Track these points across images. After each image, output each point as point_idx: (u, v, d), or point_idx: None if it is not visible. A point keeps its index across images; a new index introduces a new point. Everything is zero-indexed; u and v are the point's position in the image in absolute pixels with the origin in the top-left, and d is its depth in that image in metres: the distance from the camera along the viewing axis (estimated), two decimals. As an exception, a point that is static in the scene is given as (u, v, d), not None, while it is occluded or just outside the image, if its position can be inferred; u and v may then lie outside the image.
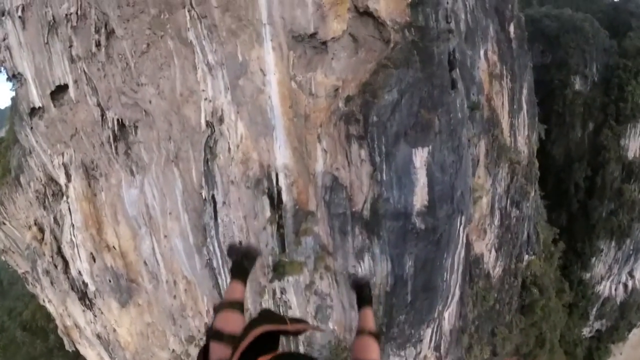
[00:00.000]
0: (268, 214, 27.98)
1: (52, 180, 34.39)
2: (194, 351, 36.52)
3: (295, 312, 30.15)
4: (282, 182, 27.61)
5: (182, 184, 28.74)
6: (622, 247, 74.11)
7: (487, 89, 39.14)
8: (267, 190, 27.73)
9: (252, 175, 27.56)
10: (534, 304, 46.64)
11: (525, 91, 46.58)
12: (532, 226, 48.32)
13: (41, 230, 38.54)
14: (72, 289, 37.60)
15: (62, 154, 31.12)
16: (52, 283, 40.07)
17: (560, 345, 62.21)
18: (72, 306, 41.09)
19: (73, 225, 32.92)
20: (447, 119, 27.07)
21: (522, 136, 46.57)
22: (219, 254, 29.66)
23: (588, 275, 71.95)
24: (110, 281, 33.63)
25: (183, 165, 28.07)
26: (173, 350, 37.78)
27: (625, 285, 78.75)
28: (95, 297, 36.28)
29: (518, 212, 44.50)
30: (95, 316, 38.67)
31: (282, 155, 27.64)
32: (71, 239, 33.88)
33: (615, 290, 77.62)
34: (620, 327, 78.83)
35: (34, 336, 75.26)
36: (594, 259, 71.61)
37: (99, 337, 41.33)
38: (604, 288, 75.28)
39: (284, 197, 27.57)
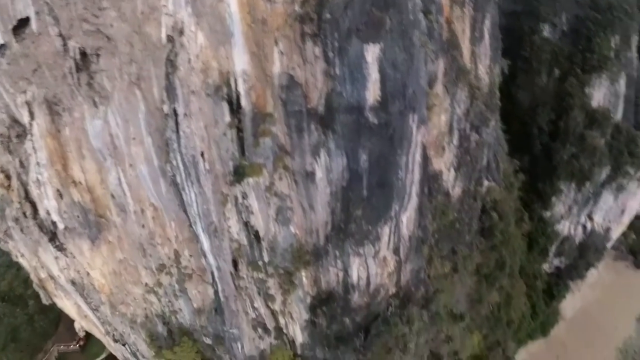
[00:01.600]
0: (228, 119, 28.43)
1: (15, 121, 33.94)
2: (166, 279, 37.48)
3: (257, 216, 31.05)
4: (241, 87, 27.94)
5: (145, 105, 28.69)
6: (582, 190, 77.39)
7: (447, 12, 39.69)
8: (226, 97, 28.09)
9: (212, 83, 27.83)
10: (494, 227, 48.89)
11: (487, 22, 47.31)
12: (492, 154, 50.17)
13: (8, 177, 38.07)
14: (42, 230, 37.62)
15: (25, 92, 30.43)
16: (22, 231, 39.91)
17: (520, 276, 65.47)
18: (45, 255, 40.77)
19: (38, 164, 32.38)
20: (398, 19, 27.67)
21: (484, 65, 47.70)
22: (182, 167, 29.92)
23: (548, 213, 75.11)
24: (78, 217, 33.67)
25: (145, 84, 27.98)
26: (146, 284, 38.57)
27: (585, 227, 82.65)
28: (65, 237, 36.43)
29: (478, 136, 46.08)
30: (68, 257, 39.00)
31: (240, 61, 27.89)
32: (37, 178, 33.35)
33: (575, 230, 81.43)
34: (579, 266, 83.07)
35: (13, 306, 75.47)
36: (554, 198, 74.68)
37: (73, 283, 41.47)
38: (564, 227, 78.85)
39: (243, 101, 27.97)
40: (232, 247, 32.97)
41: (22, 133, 33.74)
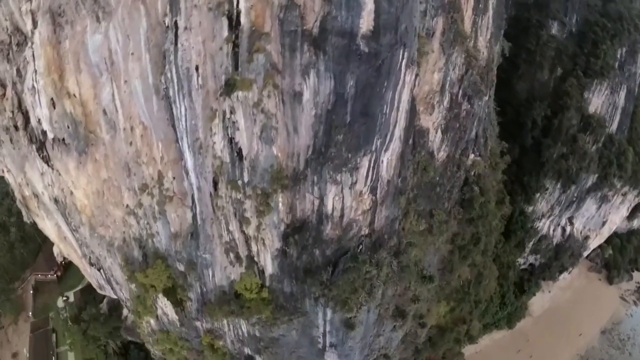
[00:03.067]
0: (225, 33, 28.71)
1: (17, 30, 34.07)
2: (147, 200, 37.82)
3: (242, 133, 31.44)
4: (242, 5, 28.05)
5: (147, 20, 29.03)
6: (567, 192, 78.59)
7: (455, -27, 40.32)
8: (227, 12, 28.33)
9: None
10: (474, 200, 49.67)
11: (493, -4, 47.75)
12: (481, 129, 50.87)
13: (3, 85, 38.37)
14: (31, 140, 37.93)
15: (30, 0, 31.14)
16: (11, 141, 40.23)
17: (495, 263, 66.58)
18: (31, 171, 41.21)
19: (36, 71, 32.68)
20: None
21: (484, 38, 48.20)
22: (175, 80, 30.27)
23: (530, 208, 76.30)
24: (68, 127, 33.97)
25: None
26: (127, 206, 38.93)
27: (564, 229, 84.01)
28: (53, 150, 36.86)
29: (469, 106, 46.64)
30: (53, 174, 39.23)
31: None
32: (33, 85, 33.66)
33: (554, 231, 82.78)
34: (552, 267, 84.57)
35: (-5, 234, 75.77)
36: (538, 194, 75.82)
37: (56, 201, 41.86)
38: (543, 226, 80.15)
39: (242, 19, 28.20)
40: (214, 164, 33.42)
41: (23, 42, 34.33)
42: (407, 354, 53.10)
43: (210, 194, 35.29)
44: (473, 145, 50.26)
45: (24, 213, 50.85)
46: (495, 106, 58.31)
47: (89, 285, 66.75)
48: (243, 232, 36.40)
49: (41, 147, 37.80)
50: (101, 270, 49.23)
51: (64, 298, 74.09)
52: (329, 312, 39.28)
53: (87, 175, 37.67)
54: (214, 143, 32.56)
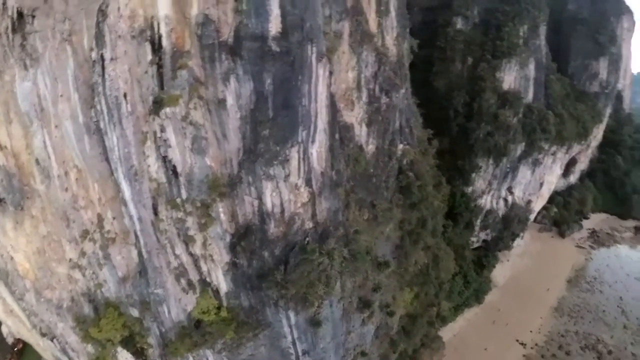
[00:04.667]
0: (150, 57, 30.38)
1: None
2: (89, 247, 37.34)
3: (174, 149, 32.40)
4: (163, 30, 30.12)
5: (74, 60, 30.05)
6: (500, 165, 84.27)
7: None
8: (149, 38, 30.23)
9: (138, 27, 29.85)
10: (411, 185, 52.46)
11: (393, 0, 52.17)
12: (404, 119, 54.32)
13: None
14: None
15: None
16: None
17: (449, 247, 69.41)
18: None
19: None
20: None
21: (391, 37, 52.27)
22: (105, 111, 31.15)
23: (470, 189, 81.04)
24: (2, 180, 33.67)
25: (76, 37, 29.56)
26: (70, 260, 38.22)
27: (506, 200, 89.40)
28: None
29: (388, 100, 50.10)
30: None
31: (163, 7, 30.14)
32: None
33: (497, 204, 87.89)
34: (504, 237, 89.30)
35: None
36: (473, 174, 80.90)
37: None
38: (486, 201, 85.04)
39: (164, 42, 30.27)
40: (151, 188, 33.88)
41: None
42: (384, 348, 53.71)
43: (152, 222, 35.48)
44: (400, 136, 53.53)
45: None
46: (417, 101, 62.28)
47: None
48: (190, 253, 36.63)
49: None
50: (54, 340, 46.70)
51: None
52: (292, 315, 39.60)
53: (25, 234, 36.63)
54: (149, 166, 33.22)
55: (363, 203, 45.03)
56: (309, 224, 37.71)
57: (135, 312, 39.69)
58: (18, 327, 49.80)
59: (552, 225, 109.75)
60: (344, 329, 44.95)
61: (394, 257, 51.81)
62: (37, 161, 32.75)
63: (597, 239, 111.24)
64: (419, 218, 55.25)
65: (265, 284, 36.82)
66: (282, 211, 35.47)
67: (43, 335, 46.93)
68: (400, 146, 53.80)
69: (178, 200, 34.02)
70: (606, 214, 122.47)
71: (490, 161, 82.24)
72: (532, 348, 75.62)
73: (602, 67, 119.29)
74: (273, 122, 32.19)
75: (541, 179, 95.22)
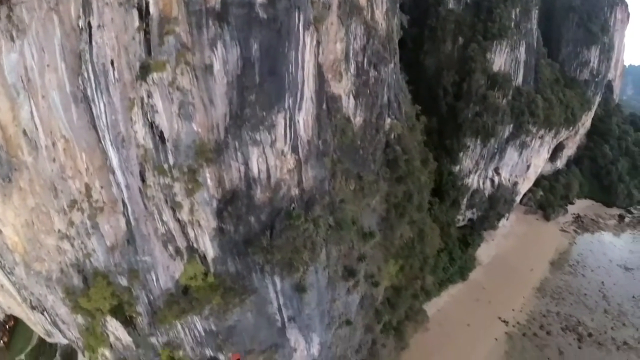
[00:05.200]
0: (137, 23, 30.33)
1: None
2: (77, 217, 37.55)
3: (161, 115, 32.60)
4: None
5: (61, 29, 29.99)
6: (487, 145, 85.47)
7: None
8: (136, 4, 30.14)
9: None
10: (398, 159, 53.20)
11: (382, -26, 52.01)
12: (392, 94, 54.82)
13: None
14: None
15: None
16: None
17: (435, 223, 70.65)
18: None
19: None
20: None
21: (381, 11, 52.25)
22: (92, 78, 31.20)
23: (457, 168, 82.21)
24: None
25: (63, 7, 29.37)
26: (59, 231, 38.39)
27: (492, 180, 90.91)
28: None
29: (376, 73, 50.47)
30: None
31: None
32: None
33: (484, 184, 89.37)
34: (490, 217, 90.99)
35: None
36: (461, 153, 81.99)
37: None
38: (472, 181, 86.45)
39: (151, 8, 30.16)
40: (138, 155, 34.12)
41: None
42: (369, 318, 55.03)
43: (139, 188, 35.78)
44: (388, 110, 54.04)
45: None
46: (406, 77, 62.73)
47: (39, 343, 63.64)
48: (178, 220, 37.04)
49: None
50: (45, 313, 47.25)
51: (16, 362, 69.55)
52: (277, 281, 40.43)
53: (13, 207, 36.87)
54: (136, 132, 33.41)
55: (349, 174, 45.65)
56: (295, 191, 38.30)
57: (124, 281, 40.18)
58: (8, 302, 50.27)
59: (538, 208, 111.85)
60: (329, 296, 46.00)
61: (380, 229, 52.74)
62: (24, 132, 32.96)
63: (582, 224, 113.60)
64: (405, 192, 56.12)
65: (251, 249, 37.47)
66: (269, 177, 35.97)
67: (33, 308, 47.46)
68: (388, 120, 54.35)
69: (165, 166, 34.31)
70: (591, 200, 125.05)
71: (478, 141, 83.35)
72: (514, 326, 77.89)
73: (593, 55, 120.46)
74: (259, 88, 32.47)
75: (528, 162, 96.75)
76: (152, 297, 41.38)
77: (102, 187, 35.90)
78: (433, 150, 72.49)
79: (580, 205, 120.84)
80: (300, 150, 37.35)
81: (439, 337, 70.04)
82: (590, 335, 77.21)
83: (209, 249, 38.78)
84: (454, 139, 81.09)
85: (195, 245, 38.82)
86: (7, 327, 73.15)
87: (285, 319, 44.23)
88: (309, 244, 38.79)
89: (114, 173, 35.06)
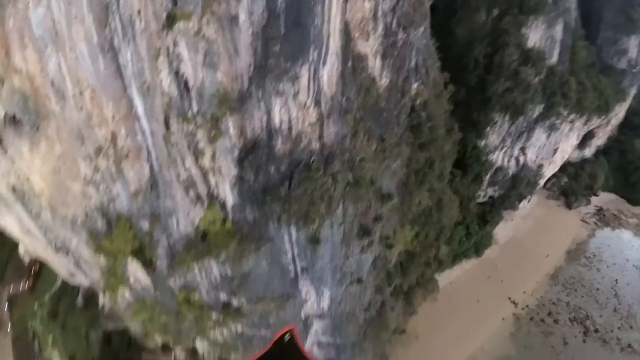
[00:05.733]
0: None
1: None
2: (103, 163, 39.02)
3: (187, 64, 33.39)
4: None
5: None
6: (516, 123, 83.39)
7: None
8: None
9: None
10: (422, 124, 52.98)
11: None
12: (420, 58, 53.97)
13: None
14: None
15: None
16: None
17: (454, 194, 70.33)
18: None
19: None
20: None
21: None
22: (119, 29, 31.96)
23: (482, 142, 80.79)
24: (18, 102, 35.04)
25: None
26: (84, 176, 40.01)
27: (518, 160, 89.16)
28: (5, 132, 37.30)
29: (405, 36, 49.66)
30: (7, 159, 39.69)
31: None
32: None
33: (508, 162, 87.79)
34: (511, 196, 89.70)
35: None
36: (488, 128, 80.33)
37: (14, 190, 42.60)
38: (497, 158, 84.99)
39: None
40: (163, 102, 35.15)
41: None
42: (380, 280, 56.15)
43: (163, 135, 36.91)
44: (415, 75, 53.39)
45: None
46: (436, 43, 61.39)
47: (62, 286, 66.46)
48: (199, 167, 38.20)
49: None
50: (69, 254, 49.46)
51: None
52: (293, 231, 41.66)
53: (41, 155, 38.33)
54: (161, 80, 34.39)
55: (371, 134, 45.86)
56: (315, 145, 38.94)
57: (145, 225, 41.92)
58: (34, 246, 52.85)
59: (561, 194, 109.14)
60: (343, 252, 47.10)
61: (398, 193, 53.05)
62: (52, 83, 34.12)
63: (603, 217, 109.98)
64: (427, 159, 56.05)
65: (269, 198, 38.57)
66: (290, 128, 36.67)
67: (58, 250, 49.87)
68: (415, 85, 53.75)
69: (189, 113, 35.31)
70: (615, 195, 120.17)
71: (507, 117, 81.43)
72: (522, 309, 78.12)
73: (633, 45, 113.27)
74: (284, 39, 32.78)
75: (556, 145, 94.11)
76: (172, 241, 43.21)
77: (127, 135, 37.14)
78: (459, 122, 71.31)
79: (604, 199, 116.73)
80: (323, 105, 37.75)
81: (447, 308, 70.92)
82: (596, 331, 76.61)
83: (229, 196, 40.06)
84: (481, 113, 79.37)
85: (215, 192, 40.15)
86: (32, 270, 77.33)
87: (299, 270, 45.68)
88: (326, 198, 39.65)
89: (139, 120, 36.16)
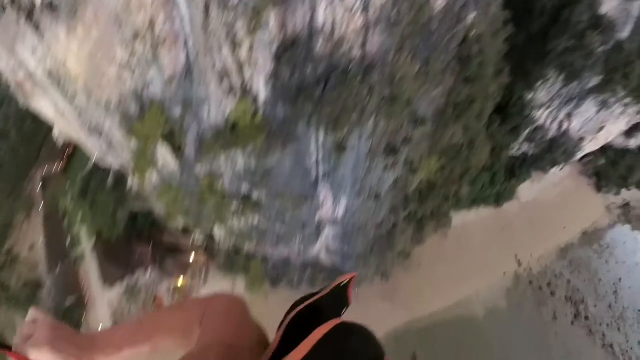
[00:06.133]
0: None
1: None
2: (139, 47, 39.38)
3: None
4: None
5: None
6: (569, 86, 79.14)
7: None
8: None
9: None
10: (472, 58, 51.46)
11: None
12: (482, -9, 51.03)
13: None
14: (20, 9, 38.29)
15: None
16: None
17: (489, 138, 69.05)
18: (22, 49, 41.92)
19: None
20: None
21: None
22: None
23: (530, 95, 77.73)
24: None
25: None
26: (120, 61, 40.44)
27: (561, 124, 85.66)
28: (42, 17, 37.38)
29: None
30: (45, 43, 40.23)
31: None
32: None
33: (551, 124, 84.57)
34: (545, 159, 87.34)
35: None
36: (539, 82, 76.82)
37: (50, 74, 43.57)
38: (541, 116, 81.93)
39: None
40: (204, -12, 34.76)
41: None
42: (397, 202, 57.62)
43: (202, 23, 36.90)
44: (474, 4, 50.82)
45: (20, 97, 51.29)
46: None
47: (93, 169, 71.00)
48: (236, 58, 38.48)
49: (30, 15, 38.25)
50: (102, 135, 51.51)
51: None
52: (321, 135, 42.83)
53: (78, 40, 39.29)
54: (204, -35, 33.81)
55: (417, 54, 45.01)
56: (357, 52, 38.84)
57: (177, 111, 43.46)
58: (68, 127, 55.57)
59: (593, 174, 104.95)
60: (367, 166, 48.33)
61: (433, 121, 52.80)
62: None
63: (627, 214, 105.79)
64: (469, 95, 55.06)
65: (302, 97, 39.28)
66: (333, 30, 36.42)
67: (91, 131, 52.30)
68: (472, 15, 51.37)
69: (230, 2, 34.96)
70: None
71: (561, 77, 77.23)
72: (524, 270, 79.45)
73: None
74: None
75: (603, 123, 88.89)
76: (201, 129, 45.34)
77: (165, 22, 37.34)
78: (511, 67, 68.52)
79: (635, 196, 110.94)
80: (371, 12, 37.07)
81: (455, 248, 72.86)
82: (587, 318, 77.53)
83: (262, 90, 40.86)
84: (536, 65, 75.49)
85: (249, 85, 40.97)
86: (65, 153, 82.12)
87: (320, 174, 47.40)
88: (359, 107, 40.20)
89: (178, 7, 36.24)
